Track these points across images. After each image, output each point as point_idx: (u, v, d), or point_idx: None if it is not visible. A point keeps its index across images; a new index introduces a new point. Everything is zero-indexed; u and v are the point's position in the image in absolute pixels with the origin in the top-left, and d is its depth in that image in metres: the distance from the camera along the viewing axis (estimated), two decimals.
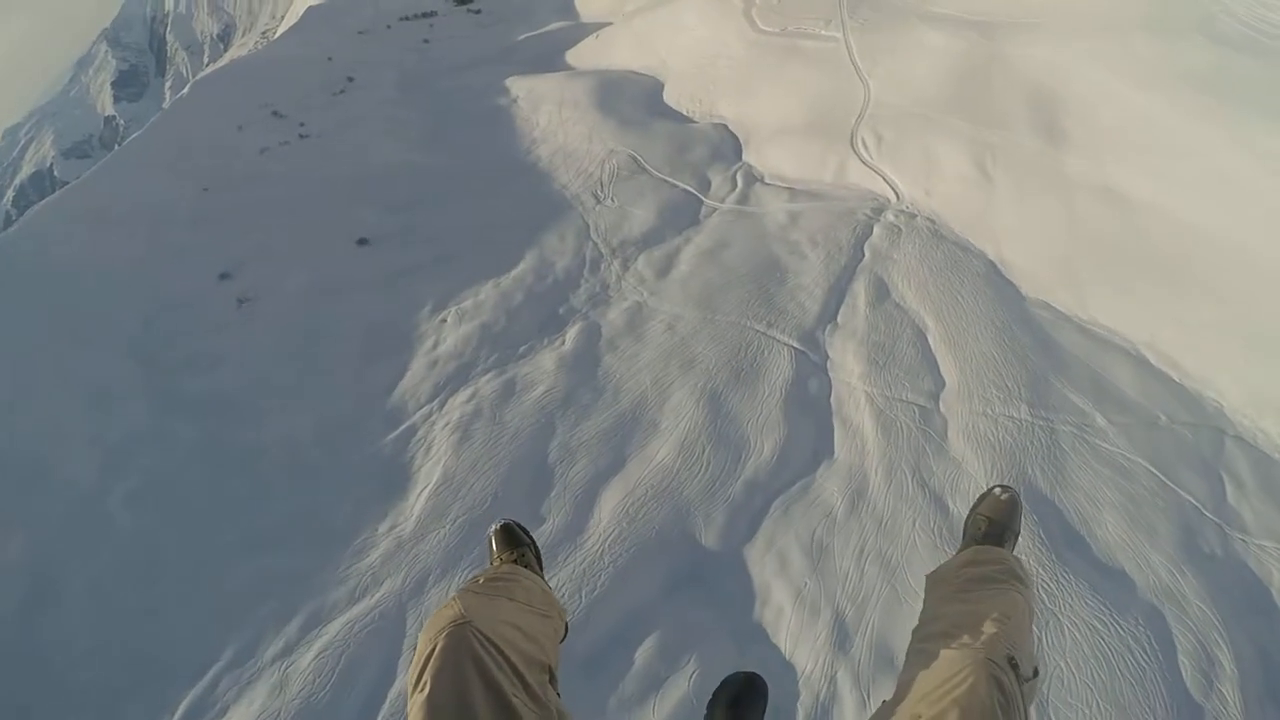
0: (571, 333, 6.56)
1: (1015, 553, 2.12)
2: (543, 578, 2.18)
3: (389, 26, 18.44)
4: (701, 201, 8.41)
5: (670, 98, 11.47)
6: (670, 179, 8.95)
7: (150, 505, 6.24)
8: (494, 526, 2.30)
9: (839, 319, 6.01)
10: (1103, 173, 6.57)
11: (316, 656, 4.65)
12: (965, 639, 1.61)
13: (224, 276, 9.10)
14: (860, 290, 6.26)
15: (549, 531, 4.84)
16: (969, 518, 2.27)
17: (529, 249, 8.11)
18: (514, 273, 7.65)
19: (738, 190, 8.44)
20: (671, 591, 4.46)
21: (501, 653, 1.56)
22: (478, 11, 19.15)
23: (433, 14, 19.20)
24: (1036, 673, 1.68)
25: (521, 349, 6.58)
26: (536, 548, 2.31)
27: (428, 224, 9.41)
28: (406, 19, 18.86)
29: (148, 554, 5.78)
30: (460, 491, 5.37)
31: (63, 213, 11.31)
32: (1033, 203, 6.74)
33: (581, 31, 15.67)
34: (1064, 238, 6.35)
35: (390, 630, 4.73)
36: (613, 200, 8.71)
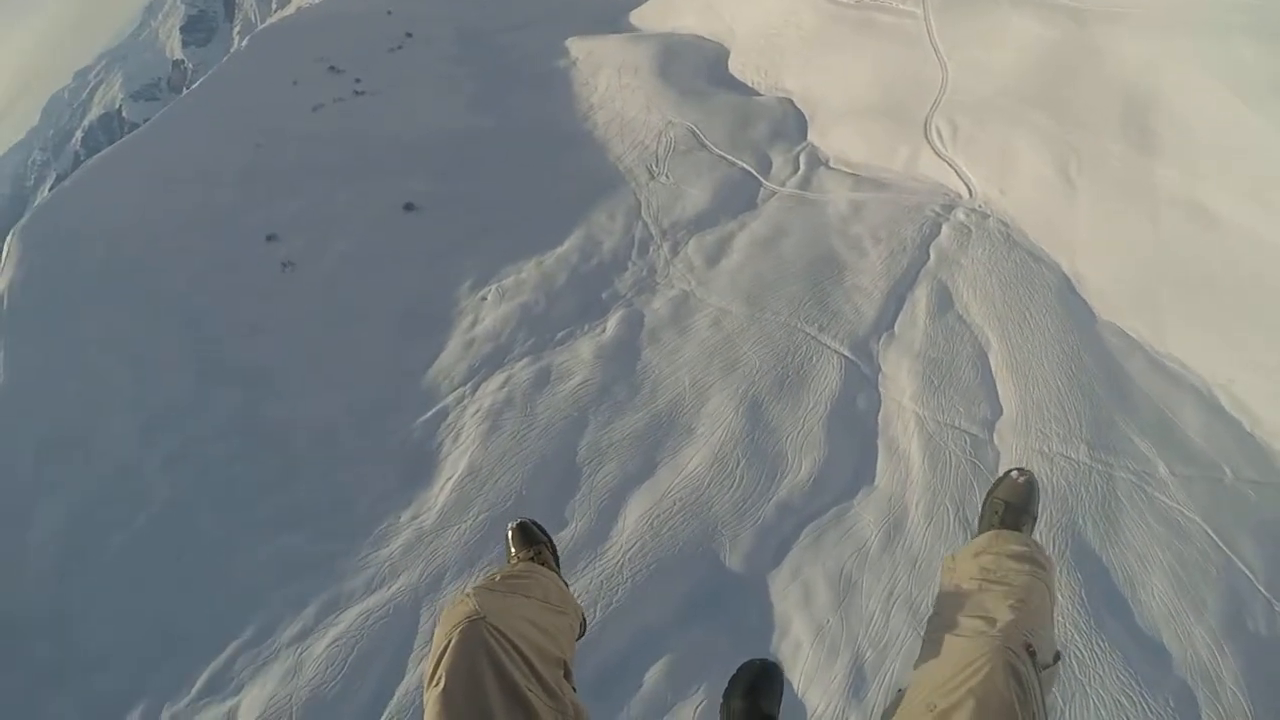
0: (613, 320, 6.40)
1: (1034, 535, 2.09)
2: (559, 575, 2.20)
3: None
4: (761, 184, 8.10)
5: (735, 67, 11.06)
6: (729, 156, 8.65)
7: (186, 474, 6.40)
8: (512, 525, 2.33)
9: (896, 329, 5.71)
10: (1194, 188, 6.04)
11: (330, 645, 4.68)
12: (981, 626, 1.60)
13: (270, 238, 9.18)
14: (922, 297, 5.93)
15: (571, 536, 4.75)
16: (985, 501, 2.24)
17: (577, 225, 7.95)
18: (559, 251, 7.51)
19: (800, 173, 8.10)
20: (688, 613, 4.33)
21: (516, 648, 1.57)
22: None
23: None
24: (1058, 657, 1.65)
25: (560, 334, 6.46)
26: (553, 546, 2.35)
27: (476, 192, 9.31)
28: None
29: (180, 524, 5.98)
30: (485, 486, 5.32)
31: (118, 168, 11.56)
32: (1115, 214, 6.27)
33: None
34: (1146, 257, 5.89)
35: (403, 625, 4.75)
36: (667, 177, 8.46)
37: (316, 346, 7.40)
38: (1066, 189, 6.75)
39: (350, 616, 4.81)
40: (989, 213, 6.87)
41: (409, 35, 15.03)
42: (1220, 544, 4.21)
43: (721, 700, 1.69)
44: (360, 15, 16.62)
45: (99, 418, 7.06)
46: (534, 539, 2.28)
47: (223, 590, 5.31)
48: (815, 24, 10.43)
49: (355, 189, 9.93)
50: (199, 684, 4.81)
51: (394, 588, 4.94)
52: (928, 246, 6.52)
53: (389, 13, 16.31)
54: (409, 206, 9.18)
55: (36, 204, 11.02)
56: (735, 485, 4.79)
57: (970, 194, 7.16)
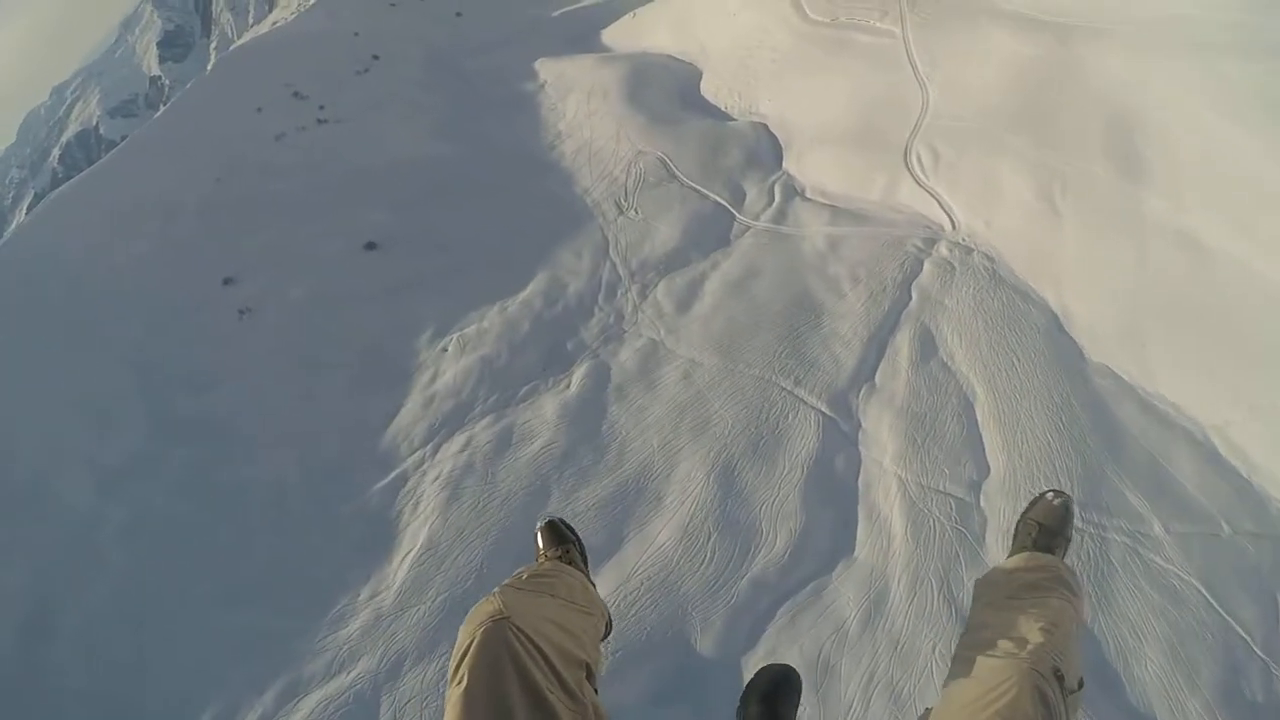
0: (578, 374, 6.14)
1: (1066, 559, 2.10)
2: (587, 575, 2.23)
3: None
4: (734, 217, 7.85)
5: (708, 90, 10.84)
6: (701, 188, 8.41)
7: (141, 541, 6.22)
8: (540, 523, 2.40)
9: (877, 379, 5.47)
10: (1182, 216, 5.83)
11: None
12: (1011, 648, 1.61)
13: (228, 282, 8.90)
14: (904, 344, 5.69)
15: None
16: (1019, 522, 2.24)
17: (541, 265, 7.69)
18: (523, 295, 7.24)
19: (774, 205, 7.86)
20: (654, 704, 4.06)
21: (539, 649, 1.58)
22: None
23: None
24: (1082, 684, 1.66)
25: (523, 390, 6.19)
26: (582, 546, 2.39)
27: (439, 227, 9.05)
28: None
29: (137, 594, 5.76)
30: (444, 563, 5.05)
31: (79, 202, 11.32)
32: (1103, 245, 6.05)
33: (619, 8, 15.01)
34: (1134, 290, 5.67)
35: (365, 715, 4.47)
36: (636, 211, 8.21)
37: (271, 401, 7.14)
38: (1052, 217, 6.54)
39: (310, 704, 4.59)
40: (973, 246, 6.64)
41: (375, 58, 14.79)
42: (1217, 607, 4.01)
43: (738, 705, 1.70)
44: (327, 36, 16.40)
45: (56, 476, 6.84)
46: (563, 538, 2.34)
47: (182, 669, 5.11)
48: (790, 44, 10.22)
49: (316, 225, 9.66)
50: None
51: (353, 673, 4.72)
52: (909, 286, 6.29)
53: (356, 34, 16.09)
54: (370, 245, 8.90)
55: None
56: (706, 561, 4.53)
57: (953, 225, 6.94)
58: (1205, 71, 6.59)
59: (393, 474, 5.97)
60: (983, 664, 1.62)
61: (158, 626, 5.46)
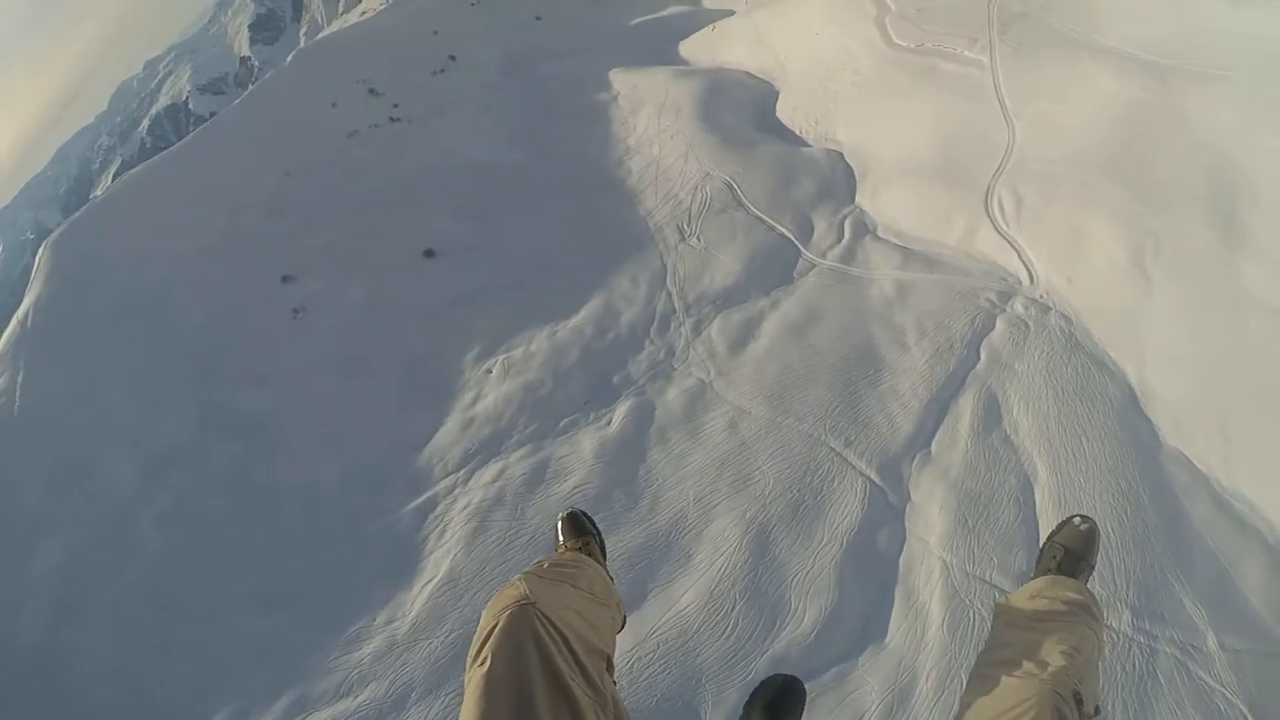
0: (620, 411, 6.07)
1: (1089, 585, 2.13)
2: (605, 569, 2.27)
3: None
4: (799, 252, 7.66)
5: (783, 111, 10.64)
6: (768, 218, 8.24)
7: (177, 530, 6.48)
8: (562, 514, 2.47)
9: (933, 448, 5.22)
10: None
11: None
12: (1032, 669, 1.64)
13: (286, 279, 9.17)
14: (966, 410, 5.43)
15: None
16: (1045, 545, 2.31)
17: (596, 289, 7.66)
18: (574, 321, 7.23)
19: (843, 243, 7.64)
20: None
21: (563, 636, 1.61)
22: None
23: None
24: (1098, 710, 1.69)
25: (563, 422, 6.17)
26: (601, 538, 2.46)
27: (498, 239, 9.13)
28: None
29: (169, 583, 6.01)
30: (461, 598, 5.06)
31: (152, 185, 11.79)
32: (1194, 317, 5.67)
33: (699, 19, 14.95)
34: (1223, 371, 5.28)
35: None
36: (699, 239, 8.10)
37: (317, 404, 7.33)
38: (1141, 281, 6.15)
39: None
40: (1051, 305, 6.31)
41: (452, 58, 15.06)
42: None
43: (741, 713, 1.78)
44: (407, 33, 16.77)
45: (103, 456, 7.17)
46: (583, 530, 2.40)
47: (203, 664, 5.31)
48: (872, 69, 9.95)
49: (378, 228, 9.87)
50: None
51: (360, 698, 4.77)
52: (979, 345, 6.00)
53: (435, 32, 16.41)
54: (429, 253, 9.04)
55: (72, 217, 11.33)
56: (728, 631, 4.41)
57: (1031, 280, 6.62)
58: None
59: (424, 496, 6.02)
60: (1005, 682, 1.63)
61: (185, 618, 5.68)
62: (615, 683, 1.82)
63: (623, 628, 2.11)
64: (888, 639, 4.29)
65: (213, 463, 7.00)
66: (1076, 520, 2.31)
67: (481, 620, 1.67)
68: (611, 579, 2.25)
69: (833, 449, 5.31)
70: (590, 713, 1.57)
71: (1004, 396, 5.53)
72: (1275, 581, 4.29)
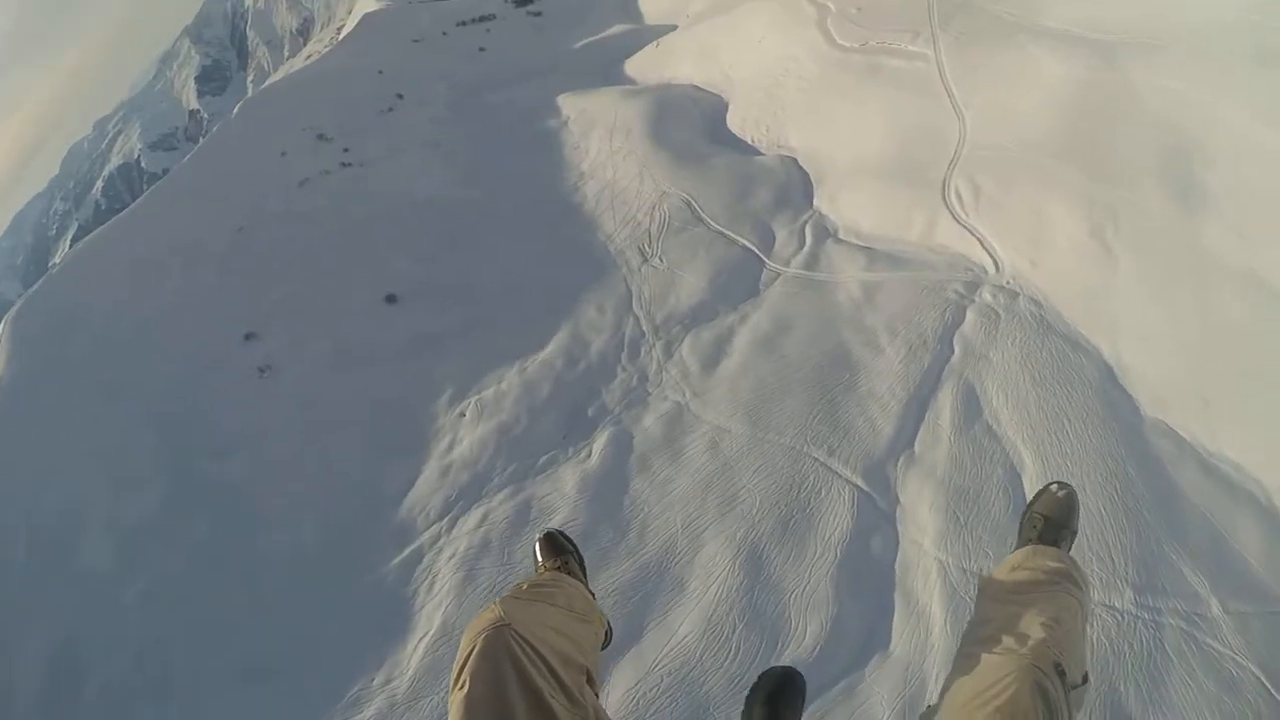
0: (599, 442, 6.01)
1: (1071, 553, 2.11)
2: (586, 585, 2.30)
3: (445, 33, 18.24)
4: (763, 263, 7.66)
5: (734, 122, 10.70)
6: (728, 231, 8.25)
7: (160, 608, 6.27)
8: (539, 535, 2.56)
9: (916, 447, 5.21)
10: (1248, 254, 5.46)
11: None
12: (1011, 644, 1.63)
13: (249, 337, 9.02)
14: (945, 405, 5.43)
15: None
16: (1024, 515, 2.33)
17: (563, 320, 7.61)
18: (542, 355, 7.16)
19: (806, 249, 7.65)
20: None
21: (539, 654, 1.62)
22: (538, 14, 18.73)
23: (490, 17, 18.89)
24: (1086, 679, 1.69)
25: (542, 459, 6.09)
26: (580, 556, 2.53)
27: (459, 278, 9.07)
28: (464, 24, 18.61)
29: (157, 664, 5.82)
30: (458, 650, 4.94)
31: (104, 254, 11.62)
32: (1160, 287, 5.73)
33: (643, 37, 15.01)
34: (1195, 338, 5.33)
35: None
36: (661, 260, 8.08)
37: (290, 466, 7.18)
38: (1105, 257, 6.21)
39: None
40: (1019, 290, 6.35)
41: (400, 96, 15.02)
42: (1275, 694, 3.66)
43: (742, 709, 1.76)
44: (352, 75, 16.72)
45: (78, 539, 6.96)
46: (561, 549, 2.49)
47: None
48: (818, 72, 10.04)
49: (337, 276, 9.76)
50: None
51: None
52: (951, 338, 6.02)
53: (380, 72, 16.37)
54: (390, 298, 8.94)
55: (29, 291, 11.15)
56: (731, 655, 4.34)
57: (997, 268, 6.66)
58: (1266, 84, 6.27)
59: (409, 549, 5.90)
60: (985, 660, 1.63)
61: (178, 698, 5.52)
62: (597, 695, 1.84)
63: (609, 642, 2.17)
64: (892, 646, 4.24)
65: (190, 535, 6.83)
66: (1054, 488, 2.33)
67: (461, 644, 1.69)
68: (593, 594, 2.28)
69: (816, 459, 5.28)
70: None
71: (982, 387, 5.53)
72: (1271, 540, 4.30)
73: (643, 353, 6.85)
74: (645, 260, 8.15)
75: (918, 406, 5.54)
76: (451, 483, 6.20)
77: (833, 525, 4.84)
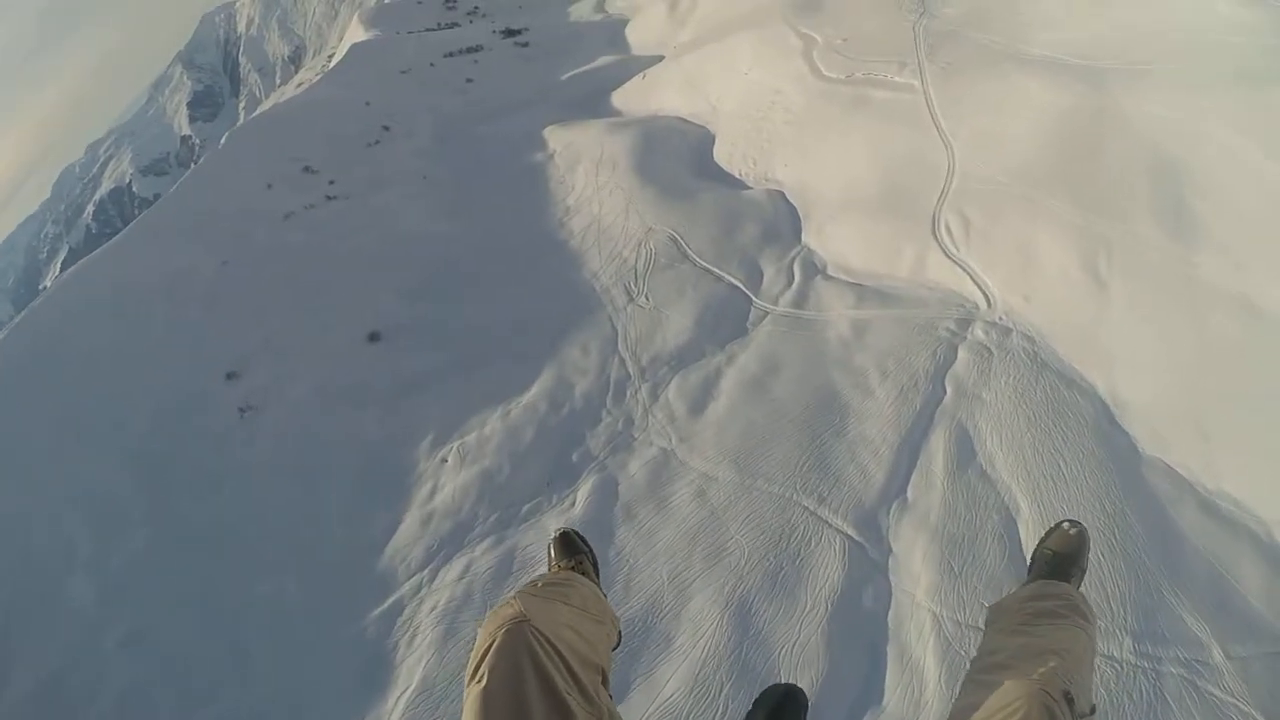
0: (584, 490, 5.91)
1: (1080, 589, 2.16)
2: (598, 586, 2.26)
3: (432, 64, 18.35)
4: (751, 301, 7.60)
5: (721, 155, 10.70)
6: (715, 268, 8.20)
7: (142, 653, 6.17)
8: (554, 534, 2.43)
9: (909, 494, 5.12)
10: (1239, 279, 5.45)
11: None
12: (1022, 671, 1.65)
13: (230, 376, 8.91)
14: (938, 448, 5.34)
15: None
16: (1035, 551, 2.29)
17: (547, 362, 7.53)
18: (526, 398, 7.07)
19: (794, 286, 7.60)
20: None
21: (558, 651, 1.64)
22: (525, 45, 18.86)
23: (478, 49, 19.02)
24: (1093, 709, 1.67)
25: (525, 508, 5.99)
26: (594, 557, 2.43)
27: (442, 316, 8.98)
28: (451, 55, 18.73)
29: (138, 712, 5.77)
30: (438, 707, 4.86)
31: (87, 289, 11.50)
32: (1154, 317, 5.69)
33: (629, 68, 15.11)
34: (1191, 369, 5.28)
35: None
36: (647, 298, 8.02)
37: (271, 508, 7.08)
38: (1097, 290, 6.17)
39: None
40: (1011, 326, 6.30)
41: (386, 128, 15.03)
42: None
43: None
44: (340, 106, 16.73)
45: (61, 581, 6.89)
46: (575, 549, 2.38)
47: None
48: (804, 104, 10.07)
49: (320, 314, 9.66)
50: None
51: None
52: (943, 378, 5.95)
53: (368, 103, 16.39)
54: (373, 336, 8.86)
55: (10, 327, 11.08)
56: (720, 714, 4.23)
57: (989, 303, 6.61)
58: (1251, 104, 6.29)
59: (390, 600, 5.77)
60: (993, 687, 1.64)
61: None
62: (611, 696, 1.82)
63: (619, 643, 2.14)
64: (885, 701, 4.15)
65: (171, 579, 6.75)
66: (1066, 525, 2.29)
67: (478, 638, 1.62)
68: (604, 595, 2.23)
69: (806, 508, 5.18)
70: None
71: (975, 429, 5.46)
72: (1272, 576, 4.25)
73: (628, 395, 6.77)
74: (631, 299, 8.08)
75: (910, 451, 5.46)
76: (433, 532, 6.08)
77: (823, 577, 4.73)
